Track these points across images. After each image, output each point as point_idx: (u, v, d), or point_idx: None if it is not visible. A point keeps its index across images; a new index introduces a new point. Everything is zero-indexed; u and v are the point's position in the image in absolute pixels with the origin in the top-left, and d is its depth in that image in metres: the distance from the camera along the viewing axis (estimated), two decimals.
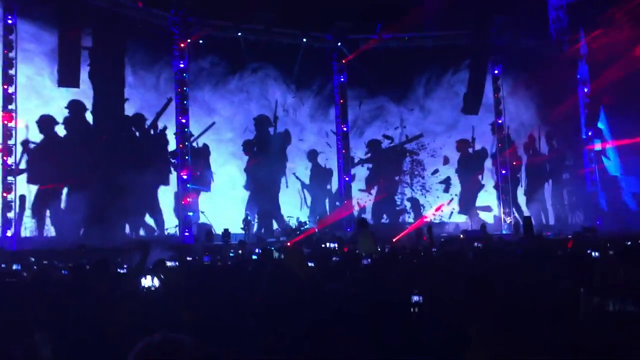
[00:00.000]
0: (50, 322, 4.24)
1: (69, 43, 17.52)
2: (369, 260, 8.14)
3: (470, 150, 24.19)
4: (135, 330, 2.83)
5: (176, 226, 20.16)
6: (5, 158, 16.86)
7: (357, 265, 7.43)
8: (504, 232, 22.37)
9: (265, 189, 21.93)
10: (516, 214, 23.44)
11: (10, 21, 16.99)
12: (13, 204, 16.90)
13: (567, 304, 3.95)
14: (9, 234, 16.63)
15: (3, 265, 11.44)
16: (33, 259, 12.35)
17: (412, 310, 4.08)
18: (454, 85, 23.81)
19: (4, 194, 16.82)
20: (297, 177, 23.13)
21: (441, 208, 23.69)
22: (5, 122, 16.91)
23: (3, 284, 7.88)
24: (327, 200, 23.59)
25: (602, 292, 3.63)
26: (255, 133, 22.54)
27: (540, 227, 21.74)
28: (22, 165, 17.58)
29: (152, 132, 20.40)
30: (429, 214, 23.42)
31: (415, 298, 4.10)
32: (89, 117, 18.94)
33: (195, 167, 20.75)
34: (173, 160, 20.60)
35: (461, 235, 17.57)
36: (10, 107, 16.95)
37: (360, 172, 24.16)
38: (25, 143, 17.61)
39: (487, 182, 24.19)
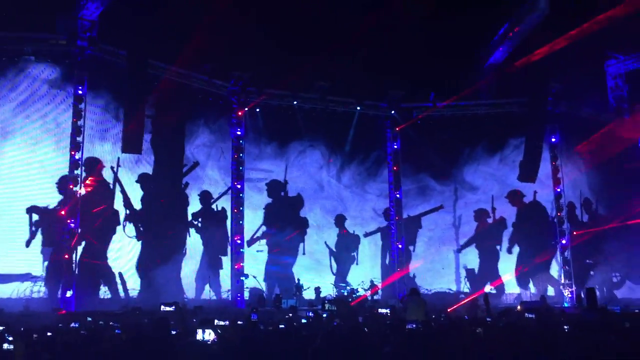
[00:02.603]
0: None
1: (134, 112, 18.31)
2: (414, 325, 8.52)
3: (490, 220, 23.66)
4: None
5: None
6: (69, 220, 17.48)
7: (402, 329, 7.56)
8: (565, 304, 21.42)
9: (284, 254, 22.07)
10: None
11: (80, 92, 17.98)
12: (73, 265, 17.37)
13: None
14: (68, 294, 17.02)
15: (60, 325, 11.66)
16: (90, 319, 12.54)
17: None
18: (507, 154, 23.56)
19: (66, 256, 17.32)
20: (327, 245, 23.03)
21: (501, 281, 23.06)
22: (71, 186, 17.65)
23: (62, 342, 8.06)
24: (351, 267, 23.21)
25: None
26: (271, 199, 22.62)
27: (604, 300, 20.73)
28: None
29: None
30: (487, 286, 22.71)
31: None
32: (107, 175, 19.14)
33: (216, 229, 20.89)
34: (196, 222, 20.67)
35: (519, 307, 16.86)
36: (76, 172, 17.72)
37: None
38: (30, 210, 17.86)
39: (504, 252, 23.59)
